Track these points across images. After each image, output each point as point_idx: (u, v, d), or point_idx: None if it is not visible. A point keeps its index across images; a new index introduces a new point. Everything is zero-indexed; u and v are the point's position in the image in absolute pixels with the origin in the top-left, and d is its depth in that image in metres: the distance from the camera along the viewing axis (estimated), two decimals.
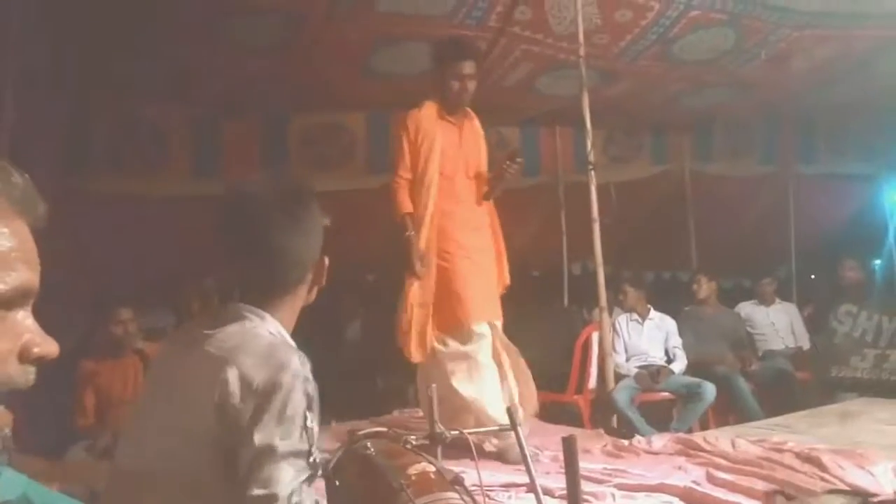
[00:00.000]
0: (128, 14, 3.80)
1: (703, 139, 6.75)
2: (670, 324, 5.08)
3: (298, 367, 1.24)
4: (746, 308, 5.82)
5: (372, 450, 1.61)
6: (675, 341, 5.00)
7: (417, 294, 3.30)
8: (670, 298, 6.04)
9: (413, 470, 1.53)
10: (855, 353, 4.91)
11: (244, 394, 1.21)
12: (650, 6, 4.31)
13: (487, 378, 3.29)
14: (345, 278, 5.90)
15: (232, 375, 1.22)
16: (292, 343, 1.34)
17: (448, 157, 3.35)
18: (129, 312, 4.06)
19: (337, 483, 1.59)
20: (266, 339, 1.30)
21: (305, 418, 1.22)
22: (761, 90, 5.63)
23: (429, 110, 3.35)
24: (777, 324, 5.72)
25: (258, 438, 1.19)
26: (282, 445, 1.19)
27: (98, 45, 4.10)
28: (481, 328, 3.32)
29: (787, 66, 5.14)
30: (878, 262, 6.95)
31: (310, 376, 1.26)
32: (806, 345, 5.63)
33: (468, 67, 3.30)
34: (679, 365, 4.86)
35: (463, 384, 3.26)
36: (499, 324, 3.44)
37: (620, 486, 2.68)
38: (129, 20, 3.85)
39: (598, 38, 4.52)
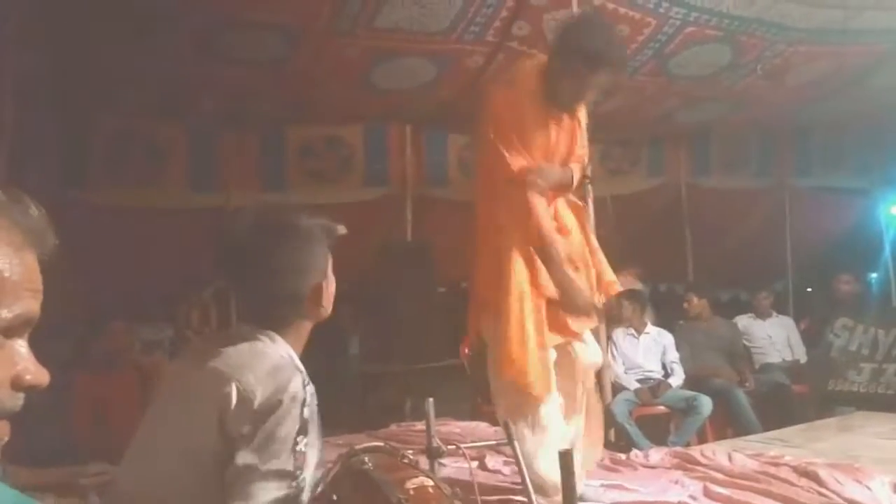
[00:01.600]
0: (126, 28, 3.82)
1: (700, 153, 6.78)
2: (668, 338, 5.08)
3: (299, 389, 1.25)
4: (743, 321, 5.83)
5: (369, 464, 1.61)
6: (673, 356, 5.00)
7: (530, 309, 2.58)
8: (667, 311, 6.04)
9: (411, 484, 1.53)
10: (851, 367, 4.91)
11: (242, 410, 1.22)
12: (647, 22, 4.34)
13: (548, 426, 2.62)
14: (342, 291, 5.88)
15: (233, 391, 1.23)
16: (300, 366, 1.33)
17: (543, 152, 2.70)
18: (121, 325, 4.03)
19: (334, 498, 1.59)
20: (272, 359, 1.30)
21: (296, 442, 1.22)
22: (757, 105, 5.67)
23: (527, 94, 2.64)
24: (774, 337, 5.73)
25: (244, 455, 1.20)
26: (265, 464, 1.19)
27: (96, 59, 4.12)
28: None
29: (782, 82, 5.19)
30: (874, 275, 6.97)
31: (309, 399, 1.26)
32: (803, 358, 5.63)
33: (606, 79, 2.61)
34: (676, 379, 4.86)
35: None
36: (583, 341, 2.79)
37: (618, 502, 2.68)
38: (127, 34, 3.87)
39: None
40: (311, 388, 1.28)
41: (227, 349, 1.32)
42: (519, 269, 2.60)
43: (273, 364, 1.29)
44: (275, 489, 1.19)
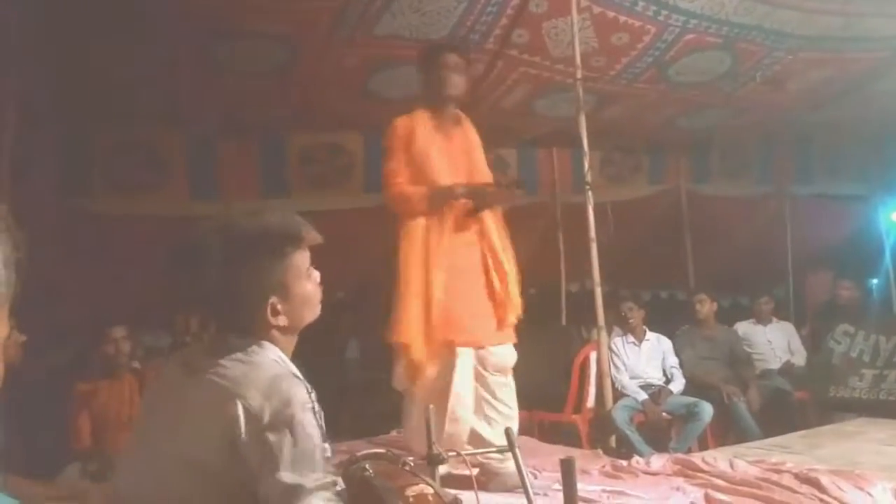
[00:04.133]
0: (127, 38, 3.83)
1: (700, 160, 6.79)
2: (667, 344, 5.07)
3: (305, 398, 1.25)
4: (743, 327, 5.82)
5: (370, 471, 1.61)
6: (673, 361, 5.00)
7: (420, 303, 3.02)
8: (668, 318, 6.04)
9: (411, 492, 1.53)
10: (852, 374, 4.90)
11: (252, 429, 1.21)
12: (646, 30, 4.36)
13: (459, 412, 3.02)
14: (342, 297, 5.91)
15: (239, 410, 1.22)
16: (296, 372, 1.32)
17: (440, 165, 3.15)
18: (122, 331, 4.02)
19: None
20: (270, 370, 1.29)
21: (324, 450, 1.24)
22: (757, 112, 5.68)
23: (419, 117, 3.19)
24: (774, 343, 5.72)
25: (285, 477, 1.19)
26: (309, 482, 1.20)
27: (97, 69, 4.13)
28: (464, 354, 3.06)
29: (782, 89, 5.20)
30: (874, 281, 6.97)
31: (317, 406, 1.26)
32: (801, 362, 5.62)
33: (452, 59, 3.19)
34: (677, 385, 4.85)
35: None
36: (496, 350, 3.14)
37: None
38: (128, 44, 3.88)
39: (595, 60, 4.57)
40: (314, 395, 1.28)
41: (223, 361, 1.30)
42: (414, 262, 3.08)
43: (272, 375, 1.27)
44: (325, 501, 1.20)
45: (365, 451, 1.70)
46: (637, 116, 5.58)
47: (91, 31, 3.78)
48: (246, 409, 1.22)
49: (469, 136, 3.33)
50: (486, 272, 3.17)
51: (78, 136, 4.94)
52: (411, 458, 1.68)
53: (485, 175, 3.29)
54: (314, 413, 1.24)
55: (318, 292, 1.45)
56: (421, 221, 3.12)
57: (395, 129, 3.19)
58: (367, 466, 1.61)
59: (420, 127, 3.17)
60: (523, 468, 1.85)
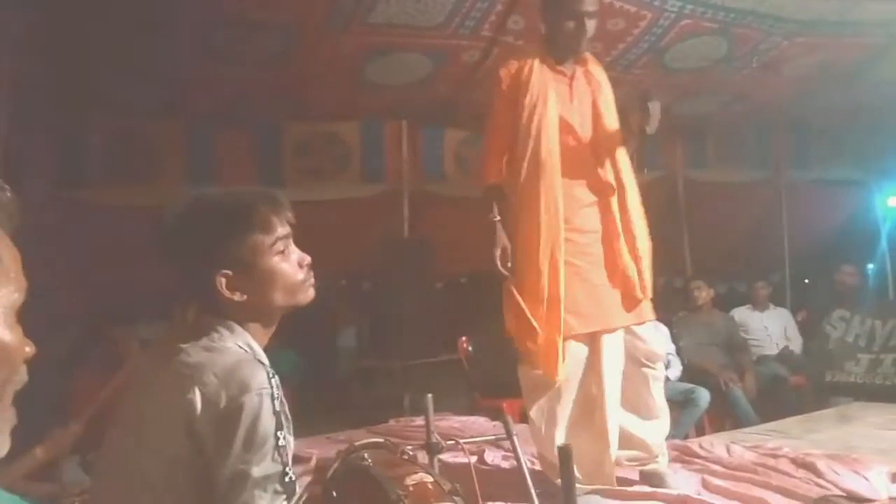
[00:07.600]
0: (123, 27, 3.81)
1: (696, 146, 6.78)
2: (664, 330, 5.07)
3: (264, 384, 1.21)
4: (740, 313, 5.83)
5: (369, 461, 1.61)
6: (669, 348, 5.00)
7: (534, 294, 2.61)
8: (664, 304, 6.04)
9: (410, 480, 1.53)
10: (849, 358, 4.92)
11: (209, 415, 1.19)
12: (642, 15, 4.34)
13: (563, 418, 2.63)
14: (340, 286, 5.90)
15: (197, 396, 1.20)
16: (262, 357, 1.30)
17: (559, 117, 2.73)
18: (123, 331, 4.09)
19: (334, 494, 1.59)
20: (232, 354, 1.26)
21: (277, 438, 1.19)
22: (753, 97, 5.68)
23: (534, 60, 2.74)
24: (770, 329, 5.74)
25: (231, 465, 1.17)
26: (255, 471, 1.17)
27: (93, 59, 4.11)
28: (576, 347, 2.69)
29: (778, 74, 5.19)
30: (870, 266, 6.99)
31: (277, 392, 1.22)
32: (797, 349, 5.64)
33: (588, 4, 2.74)
34: (674, 372, 4.86)
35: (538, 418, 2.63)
36: (614, 337, 2.74)
37: (615, 494, 2.68)
38: (123, 33, 3.86)
39: (590, 46, 4.54)
40: (276, 380, 1.24)
41: (187, 346, 1.27)
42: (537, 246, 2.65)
43: (234, 360, 1.24)
44: (268, 495, 1.17)
45: (364, 441, 1.71)
46: (633, 103, 5.56)
47: (88, 20, 3.76)
48: (203, 395, 1.20)
49: (590, 78, 2.88)
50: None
51: (74, 127, 4.92)
52: (409, 447, 1.69)
53: (606, 126, 2.84)
54: (272, 399, 1.21)
55: (297, 273, 1.38)
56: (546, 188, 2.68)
57: (502, 77, 2.73)
58: (365, 456, 1.62)
59: (535, 73, 2.72)
60: (521, 456, 1.86)
